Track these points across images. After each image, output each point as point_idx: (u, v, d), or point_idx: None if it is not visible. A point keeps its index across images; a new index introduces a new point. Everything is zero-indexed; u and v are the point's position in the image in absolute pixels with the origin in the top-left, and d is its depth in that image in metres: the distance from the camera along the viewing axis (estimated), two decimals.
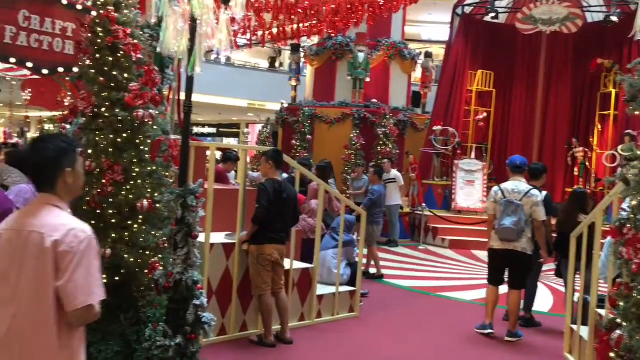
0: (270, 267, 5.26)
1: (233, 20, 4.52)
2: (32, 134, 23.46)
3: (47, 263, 2.07)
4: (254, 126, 24.72)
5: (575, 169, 13.68)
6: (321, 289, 6.27)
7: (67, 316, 2.10)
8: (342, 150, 13.70)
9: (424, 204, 12.79)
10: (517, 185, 5.94)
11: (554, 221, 6.46)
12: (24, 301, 2.08)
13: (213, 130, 29.28)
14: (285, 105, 16.07)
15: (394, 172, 11.75)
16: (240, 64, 22.52)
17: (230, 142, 28.06)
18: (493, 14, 14.05)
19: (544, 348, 5.89)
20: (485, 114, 14.21)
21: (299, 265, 6.10)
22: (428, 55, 17.12)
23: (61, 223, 2.15)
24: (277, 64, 23.88)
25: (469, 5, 14.68)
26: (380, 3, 9.62)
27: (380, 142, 13.60)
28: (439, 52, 22.04)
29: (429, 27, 24.40)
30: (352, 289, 6.61)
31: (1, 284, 2.11)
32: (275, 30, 10.31)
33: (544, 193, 6.30)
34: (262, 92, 20.65)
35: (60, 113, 9.28)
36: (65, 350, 2.14)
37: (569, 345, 5.55)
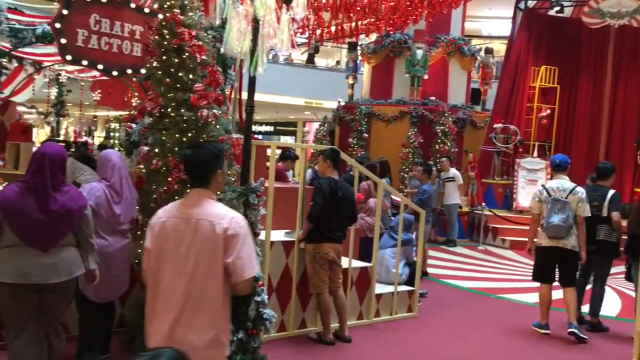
0: (326, 266, 5.28)
1: (293, 19, 4.57)
2: (98, 132, 24.42)
3: (218, 244, 2.64)
4: (310, 124, 24.86)
5: None
6: (379, 288, 6.25)
7: (232, 285, 2.71)
8: (399, 148, 13.59)
9: (483, 203, 12.53)
10: (561, 183, 6.01)
11: (624, 222, 6.21)
12: (197, 272, 2.65)
13: (270, 128, 29.63)
14: (342, 104, 16.08)
15: (453, 171, 11.56)
16: (297, 62, 22.69)
17: (287, 140, 28.34)
18: (557, 8, 13.59)
19: (611, 353, 5.67)
20: (548, 111, 13.77)
21: (358, 264, 6.10)
22: (488, 51, 16.73)
23: (223, 212, 2.74)
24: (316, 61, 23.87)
25: None
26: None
27: (439, 140, 13.43)
28: (499, 47, 21.53)
29: (490, 23, 23.83)
30: (410, 288, 6.56)
31: (172, 259, 2.68)
32: (333, 29, 10.32)
33: (612, 192, 6.14)
34: (319, 90, 20.73)
35: (127, 112, 9.64)
36: (225, 310, 2.74)
37: (638, 351, 5.31)
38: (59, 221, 3.47)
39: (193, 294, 2.65)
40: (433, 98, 14.18)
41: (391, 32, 13.16)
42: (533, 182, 12.67)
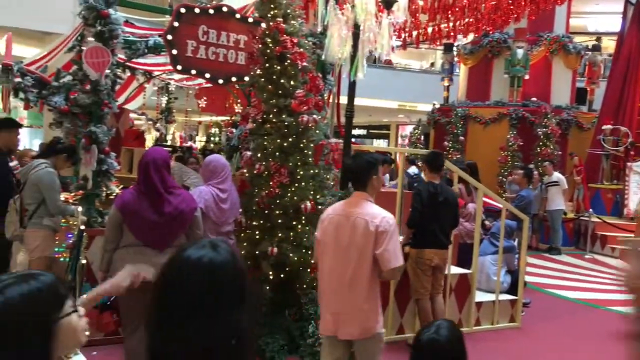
0: (429, 272, 5.20)
1: (393, 24, 4.56)
2: (199, 137, 25.59)
3: (370, 238, 3.23)
4: (404, 127, 24.65)
5: None
6: (480, 296, 6.07)
7: (380, 273, 3.30)
8: (497, 151, 13.12)
9: (590, 210, 11.81)
10: None
11: None
12: (352, 259, 3.28)
13: (363, 132, 29.67)
14: (437, 106, 15.78)
15: (557, 175, 11.01)
16: (390, 65, 22.57)
17: (379, 143, 28.26)
18: None
19: None
20: None
21: (457, 270, 5.96)
22: (595, 48, 15.78)
23: (377, 212, 3.31)
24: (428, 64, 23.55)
25: None
26: None
27: (540, 143, 12.82)
28: (607, 44, 20.25)
29: (597, 18, 22.49)
30: (513, 297, 6.31)
31: (335, 248, 3.35)
32: (430, 30, 10.18)
33: None
34: (413, 93, 20.50)
35: (228, 118, 9.98)
36: (372, 290, 3.34)
37: None
38: (173, 222, 3.67)
39: (348, 276, 3.29)
40: (534, 99, 13.57)
41: (490, 32, 12.76)
42: None
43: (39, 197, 4.72)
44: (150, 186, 3.64)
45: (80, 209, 4.51)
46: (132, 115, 10.34)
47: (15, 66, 4.71)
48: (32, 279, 1.25)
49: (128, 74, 7.90)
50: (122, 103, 8.25)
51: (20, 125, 5.78)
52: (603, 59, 16.20)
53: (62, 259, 4.75)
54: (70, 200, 5.09)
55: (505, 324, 6.18)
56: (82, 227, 4.40)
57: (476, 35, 13.41)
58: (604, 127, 12.73)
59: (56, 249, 4.82)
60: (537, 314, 6.76)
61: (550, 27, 14.08)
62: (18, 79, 4.65)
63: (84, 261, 4.27)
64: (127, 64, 6.37)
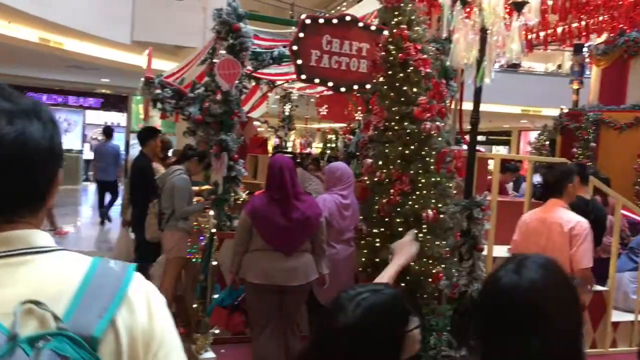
0: None
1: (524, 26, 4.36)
2: (316, 144, 26.12)
3: (565, 240, 3.69)
4: (527, 133, 23.51)
5: None
6: (616, 316, 5.61)
7: (573, 271, 3.64)
8: (634, 159, 12.08)
9: None
10: None
11: None
12: None
13: (482, 138, 28.70)
14: (566, 110, 14.86)
15: None
16: (513, 68, 21.64)
17: (499, 150, 27.16)
18: None
19: None
20: None
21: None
22: None
23: (572, 217, 3.77)
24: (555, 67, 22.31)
25: None
26: None
27: None
28: None
29: None
30: None
31: (533, 249, 3.48)
32: (559, 30, 9.62)
33: None
34: (538, 97, 19.48)
35: (345, 125, 10.06)
36: None
37: None
38: (300, 228, 3.79)
39: None
40: None
41: (627, 31, 11.81)
42: None
43: (173, 201, 5.08)
44: (283, 192, 3.77)
45: (211, 213, 4.77)
46: (255, 123, 10.78)
47: (157, 79, 5.09)
48: (382, 293, 1.37)
49: (253, 83, 8.27)
50: (247, 111, 8.63)
51: (157, 132, 6.26)
52: None
53: (194, 260, 5.05)
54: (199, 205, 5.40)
55: None
56: (213, 230, 4.64)
57: (611, 34, 12.48)
58: None
59: (189, 250, 5.14)
60: None
61: None
62: (158, 91, 5.01)
63: (214, 263, 4.50)
64: (253, 74, 6.67)
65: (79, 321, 0.84)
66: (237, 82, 4.91)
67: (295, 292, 3.86)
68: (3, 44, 10.57)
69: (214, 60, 5.13)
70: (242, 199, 5.48)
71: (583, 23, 9.33)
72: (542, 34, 9.97)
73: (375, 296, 1.37)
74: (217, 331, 4.57)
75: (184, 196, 5.05)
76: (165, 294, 4.28)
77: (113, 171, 10.66)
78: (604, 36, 13.32)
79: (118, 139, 21.63)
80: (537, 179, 11.10)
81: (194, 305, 4.74)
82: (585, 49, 15.16)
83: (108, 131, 10.78)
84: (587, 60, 15.22)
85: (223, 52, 4.94)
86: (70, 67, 14.13)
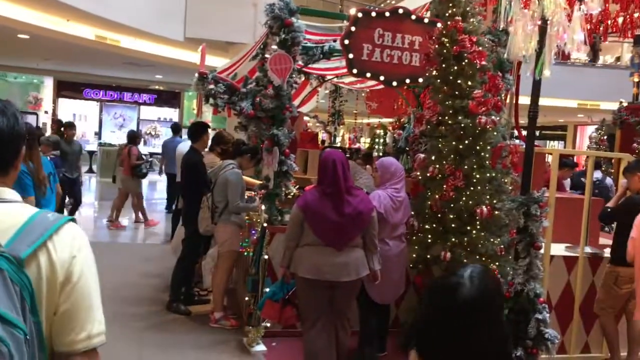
0: (625, 291, 4.68)
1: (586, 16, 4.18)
2: (364, 139, 26.01)
3: None
4: (584, 128, 22.73)
5: None
6: None
7: None
8: None
9: None
10: None
11: None
12: None
13: (536, 132, 27.89)
14: (625, 104, 14.26)
15: None
16: (570, 60, 20.91)
17: (554, 145, 26.36)
18: None
19: None
20: None
21: None
22: None
23: None
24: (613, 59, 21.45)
25: None
26: None
27: None
28: None
29: None
30: None
31: None
32: (620, 20, 9.21)
33: None
34: (596, 90, 18.74)
35: (395, 120, 9.97)
36: None
37: None
38: (352, 223, 3.76)
39: None
40: None
41: None
42: None
43: (226, 195, 5.14)
44: (336, 186, 3.76)
45: (263, 207, 4.80)
46: (305, 118, 10.81)
47: (210, 74, 5.15)
48: (482, 269, 1.53)
49: (303, 78, 8.28)
50: (298, 106, 8.65)
51: (208, 127, 6.34)
52: None
53: (246, 254, 5.10)
54: (255, 196, 5.45)
55: None
56: (265, 224, 4.67)
57: None
58: None
59: (241, 244, 5.20)
60: None
61: None
62: (211, 86, 5.07)
63: (266, 256, 4.53)
64: (303, 69, 6.67)
65: (14, 248, 1.21)
66: (288, 76, 4.91)
67: (346, 287, 3.83)
68: (61, 42, 10.95)
69: (266, 55, 5.15)
70: (293, 194, 5.50)
71: None
72: (602, 25, 9.56)
73: (481, 271, 1.49)
74: (268, 324, 4.61)
75: (238, 190, 5.11)
76: (218, 286, 4.37)
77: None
78: None
79: (169, 134, 22.20)
80: (597, 175, 10.71)
81: (246, 299, 4.79)
82: None
83: (175, 127, 11.02)
84: None
85: (275, 47, 4.95)
86: (125, 64, 14.51)
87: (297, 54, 5.12)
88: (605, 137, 15.00)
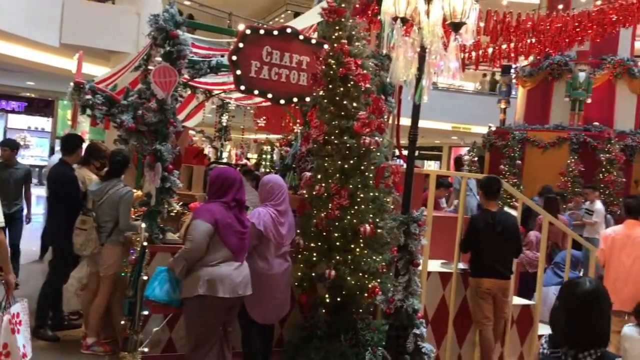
0: (490, 300, 5.02)
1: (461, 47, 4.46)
2: (251, 154, 25.90)
3: None
4: (457, 149, 24.27)
5: None
6: (543, 329, 5.80)
7: None
8: (556, 177, 12.68)
9: None
10: None
11: None
12: (636, 265, 5.25)
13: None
14: (494, 129, 15.45)
15: (597, 205, 9.88)
16: (444, 86, 22.32)
17: (430, 166, 27.90)
18: None
19: None
20: None
21: (519, 301, 5.73)
22: None
23: None
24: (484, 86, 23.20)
25: None
26: (613, 19, 8.78)
27: (603, 169, 12.35)
28: None
29: None
30: None
31: (622, 258, 5.41)
32: (490, 51, 10.00)
33: None
34: (468, 115, 20.18)
35: (283, 137, 9.99)
36: None
37: None
38: (247, 235, 3.94)
39: (634, 275, 5.27)
40: (597, 123, 13.09)
41: (552, 54, 12.45)
42: None
43: (116, 214, 4.87)
44: (240, 200, 3.90)
45: (143, 225, 4.57)
46: (191, 132, 10.54)
47: (87, 84, 4.85)
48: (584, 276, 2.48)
49: (189, 92, 8.08)
50: (183, 120, 8.42)
51: (84, 141, 5.97)
52: None
53: (123, 274, 4.82)
54: (133, 217, 5.18)
55: None
56: (145, 243, 4.45)
57: (538, 57, 13.11)
58: None
59: None
60: None
61: (614, 50, 13.61)
62: (88, 96, 4.77)
63: (145, 277, 4.30)
64: (189, 83, 6.50)
65: None
66: (173, 90, 4.75)
67: (239, 303, 3.89)
68: None
69: (149, 67, 4.94)
70: (176, 211, 5.30)
71: (512, 45, 9.73)
72: (474, 54, 10.33)
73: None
74: (146, 349, 4.37)
75: (129, 209, 4.93)
76: (96, 311, 4.08)
77: None
78: (531, 58, 13.98)
79: (40, 145, 20.73)
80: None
81: (122, 322, 4.51)
82: (512, 70, 15.85)
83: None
84: (514, 81, 15.92)
85: (159, 59, 4.77)
86: None
87: (183, 67, 4.98)
88: (476, 159, 16.14)
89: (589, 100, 13.09)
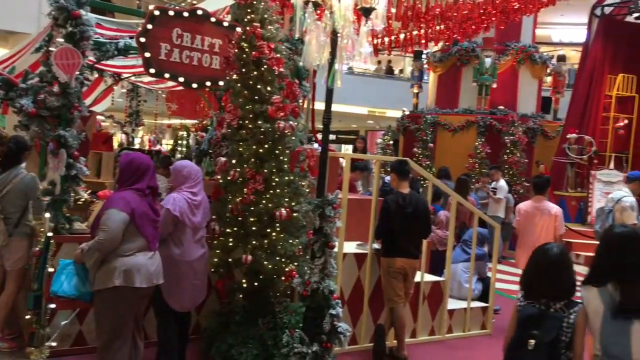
0: (401, 280, 5.20)
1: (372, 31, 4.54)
2: (166, 140, 25.20)
3: (552, 218, 6.12)
4: (374, 133, 24.78)
5: None
6: (452, 304, 6.10)
7: (557, 238, 6.07)
8: (465, 158, 13.30)
9: None
10: (615, 193, 6.77)
11: None
12: (544, 231, 6.11)
13: (332, 137, 29.72)
14: (407, 113, 15.91)
15: (501, 183, 10.75)
16: (360, 71, 22.68)
17: (348, 149, 28.33)
18: (637, 14, 12.99)
19: None
20: (626, 121, 13.11)
21: (430, 278, 5.98)
22: (561, 58, 16.18)
23: (552, 205, 6.35)
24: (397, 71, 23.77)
25: (609, 5, 13.65)
26: (515, 7, 9.23)
27: (507, 151, 13.06)
28: (570, 54, 20.79)
29: (561, 29, 23.05)
30: (484, 304, 6.37)
31: (531, 227, 6.23)
32: (402, 37, 10.24)
33: None
34: (383, 99, 20.64)
35: (198, 122, 9.82)
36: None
37: None
38: (158, 223, 3.83)
39: (541, 237, 5.85)
40: (502, 107, 13.81)
41: (460, 41, 12.93)
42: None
43: (23, 204, 4.57)
44: (154, 188, 3.77)
45: (47, 215, 4.35)
46: (99, 118, 10.11)
47: None
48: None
49: (96, 75, 7.74)
50: (90, 105, 8.05)
51: None
52: (567, 70, 16.57)
53: (27, 267, 4.58)
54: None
55: (476, 331, 6.23)
56: (50, 234, 4.25)
57: (447, 43, 13.58)
58: (569, 135, 13.01)
59: None
60: (507, 320, 6.81)
61: (517, 37, 14.36)
62: None
63: (51, 269, 4.11)
64: (96, 65, 6.22)
65: None
66: (77, 73, 4.53)
67: (151, 291, 3.80)
68: None
69: (51, 49, 4.68)
70: (84, 200, 5.08)
71: (422, 32, 10.03)
72: (386, 40, 10.55)
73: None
74: (54, 344, 4.19)
75: (37, 195, 4.66)
76: (6, 307, 3.83)
77: None
78: (441, 44, 14.46)
79: None
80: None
81: (27, 317, 4.29)
82: (424, 56, 16.35)
83: None
84: (426, 66, 16.44)
85: (61, 40, 4.52)
86: None
87: (88, 49, 4.75)
88: (391, 142, 16.56)
89: (494, 85, 13.77)
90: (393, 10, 8.85)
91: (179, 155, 12.30)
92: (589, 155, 12.87)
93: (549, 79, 16.61)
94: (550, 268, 2.81)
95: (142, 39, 4.86)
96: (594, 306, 2.74)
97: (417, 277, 5.54)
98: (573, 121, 13.51)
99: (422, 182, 10.67)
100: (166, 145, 22.23)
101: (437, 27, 9.91)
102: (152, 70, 4.97)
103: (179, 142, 17.75)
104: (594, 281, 2.76)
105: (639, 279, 2.65)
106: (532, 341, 2.78)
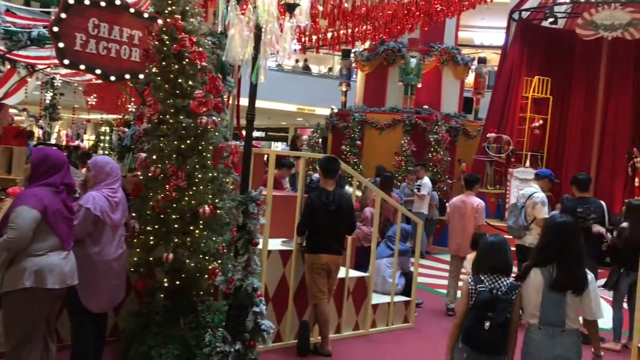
0: (325, 275, 5.22)
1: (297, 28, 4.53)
2: (87, 135, 24.22)
3: (474, 211, 7.00)
4: (305, 131, 24.85)
5: (637, 180, 13.13)
6: (376, 299, 6.20)
7: (477, 227, 6.98)
8: (392, 156, 13.59)
9: None
10: (527, 190, 7.12)
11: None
12: (468, 221, 7.00)
13: (261, 134, 29.57)
14: (335, 111, 16.05)
15: (425, 180, 11.05)
16: (289, 69, 22.67)
17: (278, 146, 28.28)
18: (551, 19, 13.68)
19: None
20: (541, 122, 13.81)
21: (355, 273, 6.04)
22: (481, 60, 16.80)
23: (477, 200, 7.15)
24: (326, 70, 23.94)
25: (526, 10, 14.32)
26: (438, 9, 9.50)
27: (432, 149, 13.45)
28: (491, 57, 21.65)
29: (482, 32, 23.97)
30: (407, 298, 6.52)
31: (459, 217, 7.10)
32: (329, 35, 10.31)
33: (601, 203, 6.70)
34: (312, 97, 20.71)
35: (120, 117, 9.49)
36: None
37: None
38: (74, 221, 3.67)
39: (464, 227, 6.92)
40: (426, 106, 14.22)
41: (386, 40, 13.18)
42: None
43: None
44: (69, 185, 3.62)
45: None
46: (12, 111, 9.56)
47: None
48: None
49: (8, 66, 7.32)
50: (1, 98, 7.60)
51: None
52: (487, 71, 17.25)
53: None
54: None
55: (399, 324, 6.37)
56: None
57: (373, 42, 13.80)
58: (488, 135, 13.55)
59: None
60: (429, 313, 7.03)
61: (441, 38, 14.81)
62: None
63: None
64: (7, 55, 5.88)
65: None
66: None
67: (63, 294, 3.64)
68: None
69: None
70: None
71: (349, 31, 10.14)
72: (314, 37, 10.59)
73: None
74: None
75: None
76: None
77: None
78: (368, 44, 14.69)
79: None
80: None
81: None
82: (352, 55, 16.55)
83: None
84: (354, 65, 16.65)
85: None
86: None
87: None
88: (319, 140, 16.65)
89: (419, 85, 14.15)
90: (320, 8, 8.90)
91: (100, 152, 11.87)
92: (506, 153, 13.45)
93: (470, 80, 17.25)
94: (495, 251, 3.48)
95: (55, 28, 4.63)
96: (536, 282, 3.31)
97: (342, 273, 5.59)
98: (492, 121, 14.08)
99: (349, 179, 10.80)
100: (87, 141, 21.37)
101: (364, 27, 10.05)
102: (66, 62, 4.74)
103: (102, 137, 17.14)
104: (541, 263, 3.32)
105: (574, 262, 3.27)
106: (488, 323, 3.31)
